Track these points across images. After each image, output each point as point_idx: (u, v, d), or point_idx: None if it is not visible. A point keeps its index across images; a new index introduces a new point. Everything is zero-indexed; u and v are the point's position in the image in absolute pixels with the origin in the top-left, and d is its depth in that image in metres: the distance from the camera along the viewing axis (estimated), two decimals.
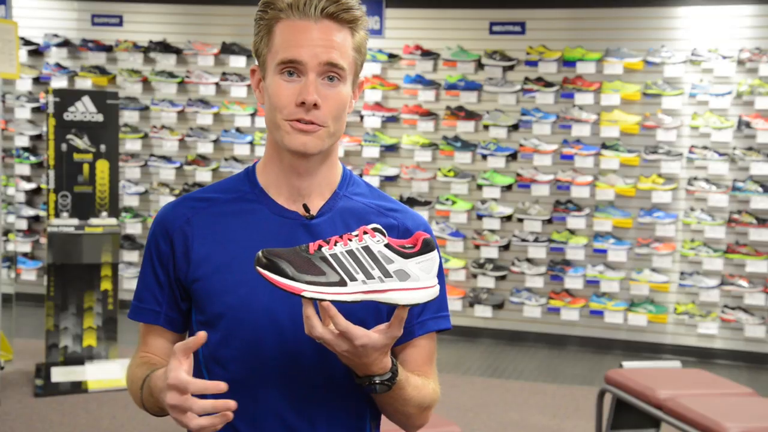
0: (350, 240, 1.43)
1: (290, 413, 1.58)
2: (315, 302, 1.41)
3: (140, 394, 1.59)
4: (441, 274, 1.61)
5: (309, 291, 1.39)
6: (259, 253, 1.41)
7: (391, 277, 1.41)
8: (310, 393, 1.58)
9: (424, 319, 1.65)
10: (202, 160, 7.63)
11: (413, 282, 1.42)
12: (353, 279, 1.40)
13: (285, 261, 1.40)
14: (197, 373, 1.65)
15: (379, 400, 1.57)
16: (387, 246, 1.43)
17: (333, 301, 1.39)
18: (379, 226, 1.45)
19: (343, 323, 1.41)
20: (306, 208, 1.52)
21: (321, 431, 1.60)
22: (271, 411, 1.58)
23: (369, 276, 1.41)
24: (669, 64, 6.76)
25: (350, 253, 1.42)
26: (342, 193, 1.65)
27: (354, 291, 1.40)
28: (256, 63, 1.65)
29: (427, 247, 1.44)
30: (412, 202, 7.17)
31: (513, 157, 7.13)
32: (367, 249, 1.42)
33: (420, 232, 1.46)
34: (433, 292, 1.44)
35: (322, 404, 1.59)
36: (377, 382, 1.49)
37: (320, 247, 1.43)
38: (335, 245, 1.43)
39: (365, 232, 1.43)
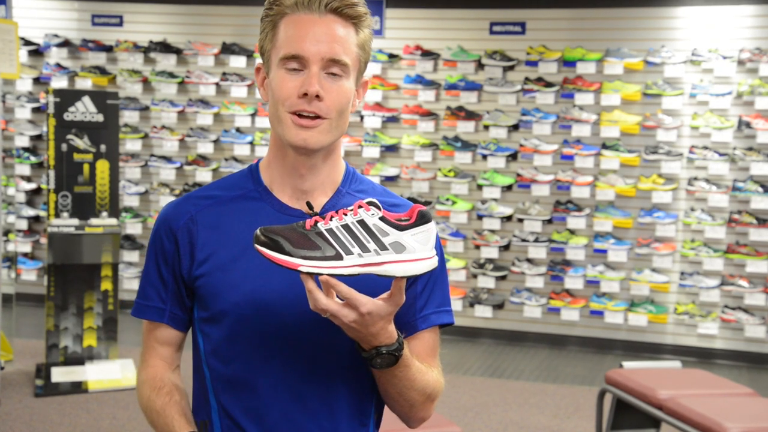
0: (345, 215, 1.44)
1: (294, 408, 1.59)
2: (316, 277, 1.42)
3: (157, 429, 1.61)
4: (442, 260, 1.62)
5: (305, 266, 1.40)
6: (258, 230, 1.43)
7: (387, 249, 1.42)
8: (314, 388, 1.59)
9: (427, 313, 1.65)
10: (202, 160, 7.63)
11: (409, 254, 1.42)
12: (349, 253, 1.42)
13: (282, 237, 1.41)
14: (198, 370, 1.66)
15: (384, 381, 1.57)
16: (382, 219, 1.43)
17: (330, 275, 1.41)
18: (374, 200, 1.46)
19: (346, 290, 1.41)
20: (309, 205, 1.53)
21: (325, 425, 1.60)
22: (274, 406, 1.59)
23: (365, 249, 1.42)
24: (669, 64, 6.76)
25: (345, 227, 1.43)
26: (345, 191, 1.66)
27: (350, 264, 1.41)
28: (261, 61, 1.65)
29: (422, 219, 1.44)
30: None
31: (513, 157, 7.13)
32: (362, 222, 1.43)
33: (416, 205, 1.47)
34: (431, 264, 1.44)
35: (326, 398, 1.60)
36: (384, 352, 1.49)
37: (316, 222, 1.44)
38: (331, 220, 1.44)
39: (360, 206, 1.44)
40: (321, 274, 1.40)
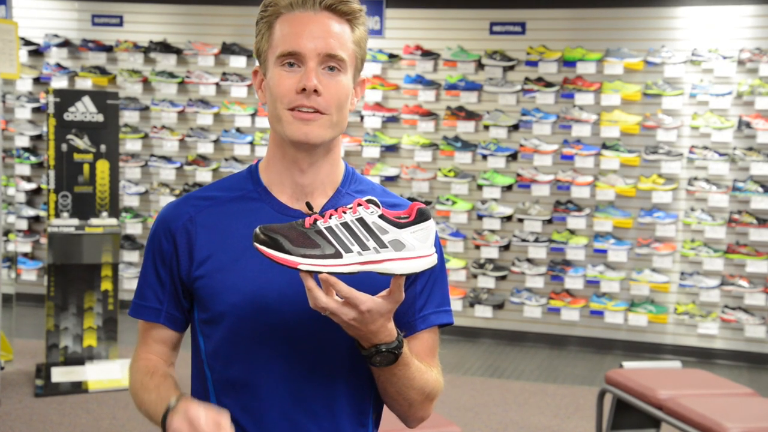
0: (345, 213, 1.44)
1: (294, 409, 1.59)
2: (316, 276, 1.42)
3: (148, 406, 1.59)
4: (441, 259, 1.62)
5: (305, 264, 1.40)
6: (257, 229, 1.43)
7: (387, 247, 1.42)
8: (314, 388, 1.59)
9: (427, 313, 1.65)
10: (202, 160, 7.63)
11: (409, 251, 1.43)
12: (349, 251, 1.42)
13: (281, 236, 1.41)
14: (198, 372, 1.66)
15: (383, 379, 1.57)
16: (381, 217, 1.44)
17: (330, 273, 1.41)
18: (373, 198, 1.46)
19: (346, 289, 1.41)
20: (309, 205, 1.53)
21: (325, 426, 1.60)
22: (274, 406, 1.59)
23: (364, 247, 1.42)
24: (669, 64, 6.76)
25: (345, 225, 1.43)
26: (345, 191, 1.66)
27: (350, 262, 1.41)
28: (258, 64, 1.65)
29: (421, 216, 1.44)
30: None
31: (513, 157, 7.13)
32: (361, 220, 1.43)
33: (416, 203, 1.47)
34: (430, 261, 1.44)
35: (326, 399, 1.60)
36: (384, 350, 1.49)
37: (316, 221, 1.44)
38: (330, 218, 1.44)
39: (359, 204, 1.44)
40: (321, 273, 1.40)
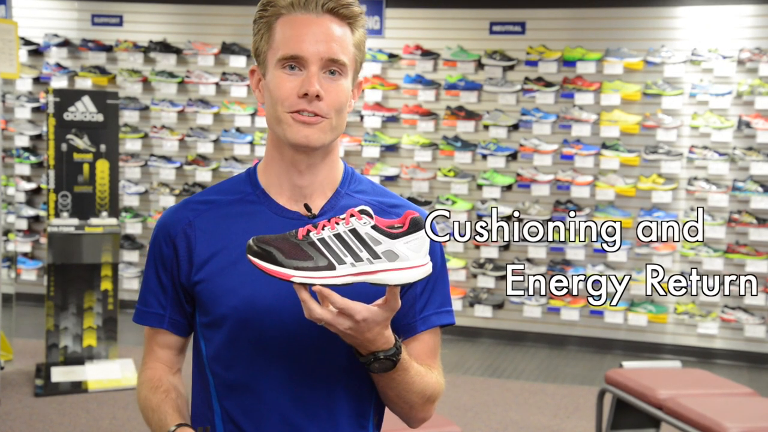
0: (337, 224, 1.44)
1: (294, 411, 1.59)
2: (310, 287, 1.41)
3: (150, 425, 1.61)
4: (443, 260, 1.61)
5: (298, 276, 1.40)
6: (250, 241, 1.42)
7: (380, 258, 1.42)
8: (314, 391, 1.59)
9: (428, 314, 1.65)
10: (202, 160, 7.63)
11: (402, 262, 1.42)
12: (342, 262, 1.41)
13: (274, 248, 1.41)
14: (200, 375, 1.66)
15: (383, 384, 1.57)
16: (374, 227, 1.43)
17: (323, 285, 1.40)
18: (366, 208, 1.45)
19: (340, 301, 1.41)
20: (307, 207, 1.53)
21: (325, 427, 1.60)
22: (275, 410, 1.59)
23: (357, 258, 1.42)
24: (669, 64, 6.76)
25: (337, 236, 1.43)
26: (344, 191, 1.66)
27: (343, 274, 1.41)
28: (255, 63, 1.65)
29: (415, 226, 1.44)
30: (412, 202, 7.16)
31: (513, 157, 7.13)
32: (354, 231, 1.43)
33: (409, 212, 1.46)
34: (424, 271, 1.44)
35: (326, 402, 1.60)
36: (381, 357, 1.49)
37: (308, 232, 1.44)
38: (323, 229, 1.44)
39: (352, 215, 1.44)
40: (314, 285, 1.40)
